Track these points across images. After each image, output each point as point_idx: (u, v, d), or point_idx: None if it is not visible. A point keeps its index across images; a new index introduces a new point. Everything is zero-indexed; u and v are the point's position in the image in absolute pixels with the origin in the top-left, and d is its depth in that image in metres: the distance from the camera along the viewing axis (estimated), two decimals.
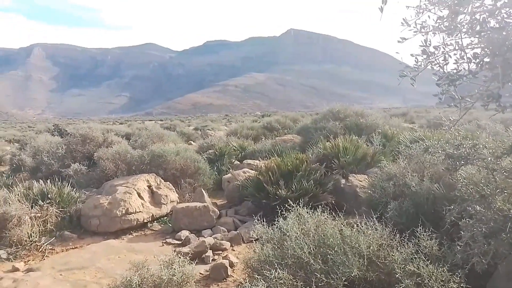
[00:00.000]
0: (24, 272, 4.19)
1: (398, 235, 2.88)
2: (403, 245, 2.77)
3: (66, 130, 12.92)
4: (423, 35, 1.80)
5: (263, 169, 6.15)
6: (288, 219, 3.31)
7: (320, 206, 3.54)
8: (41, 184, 5.84)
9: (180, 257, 3.27)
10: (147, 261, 3.35)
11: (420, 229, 2.83)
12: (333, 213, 3.45)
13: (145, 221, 5.75)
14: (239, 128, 16.07)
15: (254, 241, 4.65)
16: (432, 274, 2.47)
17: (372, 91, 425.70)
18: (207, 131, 22.14)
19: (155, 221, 5.99)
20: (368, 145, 7.26)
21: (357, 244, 2.79)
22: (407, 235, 2.85)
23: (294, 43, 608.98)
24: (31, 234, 4.89)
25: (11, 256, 4.60)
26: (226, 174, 7.67)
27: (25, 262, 4.52)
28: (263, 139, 12.22)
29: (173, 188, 6.68)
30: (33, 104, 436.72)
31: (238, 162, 9.51)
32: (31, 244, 4.83)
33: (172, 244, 5.05)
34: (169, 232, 5.52)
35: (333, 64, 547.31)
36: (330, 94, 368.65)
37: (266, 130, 16.18)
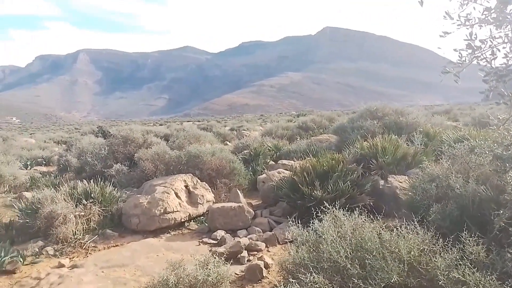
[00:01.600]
0: (69, 268, 4.40)
1: (441, 239, 2.72)
2: (446, 250, 2.62)
3: (109, 132, 13.48)
4: (468, 28, 1.68)
5: (298, 170, 6.07)
6: (323, 221, 3.24)
7: (357, 208, 3.43)
8: (85, 184, 6.11)
9: (215, 258, 3.30)
10: (183, 260, 3.41)
11: (465, 233, 2.66)
12: (371, 216, 3.33)
13: (182, 220, 5.87)
14: (274, 128, 16.04)
15: (289, 243, 4.62)
16: (479, 283, 2.31)
17: (411, 89, 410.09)
18: (243, 131, 22.28)
19: (192, 221, 6.09)
20: (408, 145, 6.97)
21: (397, 249, 2.67)
22: (451, 240, 2.69)
23: (330, 41, 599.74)
24: (75, 232, 5.13)
25: (57, 253, 4.86)
26: (261, 174, 7.67)
27: (70, 258, 4.75)
28: (298, 139, 12.11)
29: (209, 188, 6.77)
30: (79, 107, 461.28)
31: (273, 163, 9.48)
32: (76, 241, 5.07)
33: (208, 243, 5.11)
34: (205, 232, 5.60)
35: (370, 61, 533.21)
36: (367, 92, 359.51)
37: (301, 129, 16.02)
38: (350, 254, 2.75)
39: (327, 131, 13.32)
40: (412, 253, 2.64)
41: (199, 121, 52.89)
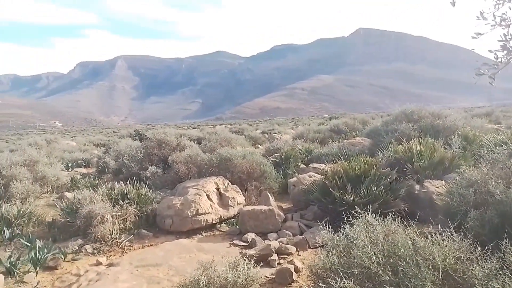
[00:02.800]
0: (106, 266, 4.59)
1: (479, 247, 2.60)
2: (485, 259, 2.50)
3: (145, 135, 13.94)
4: (503, 28, 1.61)
5: (330, 173, 6.00)
6: (355, 226, 3.19)
7: (390, 214, 3.35)
8: (122, 185, 6.36)
9: (245, 260, 3.33)
10: (214, 261, 3.47)
11: (505, 242, 2.53)
12: (405, 222, 3.24)
13: (214, 222, 5.97)
14: (306, 131, 15.93)
15: (319, 247, 4.58)
16: None
17: (451, 90, 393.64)
18: (274, 134, 22.30)
19: (223, 223, 6.18)
20: (445, 148, 6.71)
21: (431, 256, 2.58)
22: (490, 248, 2.57)
23: (364, 42, 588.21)
24: (112, 231, 5.35)
25: (95, 251, 5.09)
26: (292, 177, 7.64)
27: (107, 257, 4.96)
28: (330, 142, 11.97)
29: (240, 190, 6.84)
30: (117, 111, 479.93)
31: (304, 166, 9.42)
32: (112, 240, 5.29)
33: (239, 245, 5.15)
34: (236, 234, 5.65)
35: (406, 62, 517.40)
36: (403, 94, 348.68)
37: (333, 133, 15.80)
38: (382, 260, 2.68)
39: (360, 134, 13.06)
40: (447, 260, 2.54)
41: (231, 125, 53.48)
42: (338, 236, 3.26)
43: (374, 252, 2.73)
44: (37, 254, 4.53)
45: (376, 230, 3.04)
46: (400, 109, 10.98)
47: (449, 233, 2.75)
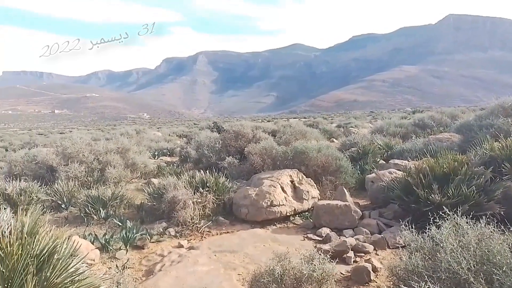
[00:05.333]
0: (187, 249, 4.90)
1: None
2: None
3: (223, 127, 14.49)
4: None
5: (413, 170, 5.61)
6: (442, 228, 2.94)
7: (484, 217, 3.03)
8: (202, 174, 6.71)
9: (320, 254, 3.28)
10: (289, 253, 3.48)
11: None
12: (502, 226, 2.90)
13: (288, 214, 5.99)
14: (386, 125, 15.08)
15: (400, 248, 4.32)
16: None
17: None
18: (350, 128, 21.56)
19: (297, 215, 6.17)
20: None
21: None
22: None
23: (454, 30, 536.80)
24: (193, 216, 5.68)
25: (177, 234, 5.46)
26: (370, 173, 7.31)
27: (188, 240, 5.28)
28: (413, 138, 11.18)
29: (314, 184, 6.75)
30: (198, 104, 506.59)
31: (383, 162, 8.96)
32: (193, 225, 5.62)
33: (313, 239, 5.11)
34: (310, 228, 5.60)
35: (504, 50, 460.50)
36: (500, 86, 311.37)
37: (417, 127, 14.72)
38: (474, 266, 2.44)
39: (449, 129, 11.98)
40: None
41: (305, 118, 53.02)
42: (422, 237, 3.04)
43: (465, 257, 2.50)
44: (128, 233, 5.01)
45: (467, 234, 2.77)
46: (497, 101, 9.83)
47: None
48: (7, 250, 2.24)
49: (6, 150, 22.17)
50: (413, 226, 3.35)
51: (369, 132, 15.52)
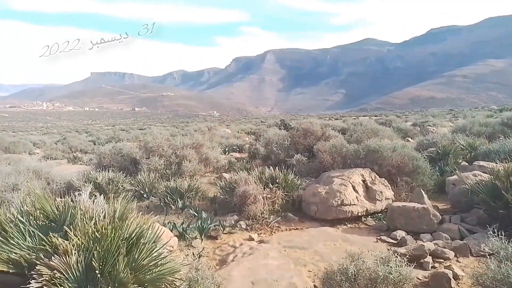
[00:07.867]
0: (257, 242, 5.02)
1: None
2: None
3: (290, 125, 14.51)
4: None
5: (502, 173, 5.09)
6: None
7: None
8: (271, 170, 6.80)
9: (396, 257, 3.15)
10: (363, 253, 3.39)
11: None
12: None
13: (359, 214, 5.81)
14: (469, 124, 13.83)
15: (487, 256, 3.97)
16: None
17: None
18: (428, 127, 20.15)
19: (369, 216, 5.96)
20: None
21: None
22: None
23: None
24: (263, 211, 5.80)
25: (248, 227, 5.61)
26: (451, 175, 6.78)
27: (258, 234, 5.40)
28: (501, 138, 10.11)
29: (388, 185, 6.45)
30: (265, 102, 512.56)
31: (466, 163, 8.25)
32: (263, 220, 5.73)
33: (387, 242, 4.89)
34: (384, 230, 5.38)
35: None
36: None
37: (506, 127, 13.27)
38: None
39: None
40: None
41: (376, 116, 50.74)
42: None
43: None
44: (203, 224, 5.27)
45: None
46: None
47: None
48: (102, 232, 2.50)
49: (94, 144, 24.68)
50: (503, 234, 3.08)
51: (449, 131, 14.37)
